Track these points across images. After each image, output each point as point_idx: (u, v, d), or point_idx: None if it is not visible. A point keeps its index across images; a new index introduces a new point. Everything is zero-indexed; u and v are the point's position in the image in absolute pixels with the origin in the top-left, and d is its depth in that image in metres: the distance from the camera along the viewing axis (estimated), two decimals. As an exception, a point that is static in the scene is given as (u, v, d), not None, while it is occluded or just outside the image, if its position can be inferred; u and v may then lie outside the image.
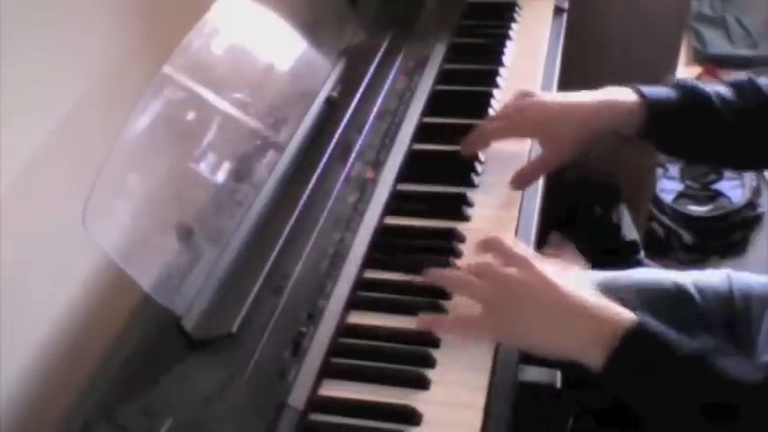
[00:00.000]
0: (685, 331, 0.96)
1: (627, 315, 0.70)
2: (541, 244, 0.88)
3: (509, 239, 0.82)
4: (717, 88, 0.93)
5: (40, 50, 0.80)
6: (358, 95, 1.03)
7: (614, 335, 0.68)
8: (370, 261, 0.86)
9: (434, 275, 0.80)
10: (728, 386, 0.65)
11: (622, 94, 0.92)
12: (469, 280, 0.78)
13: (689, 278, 1.01)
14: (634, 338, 0.68)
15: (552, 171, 0.94)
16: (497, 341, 0.75)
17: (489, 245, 0.81)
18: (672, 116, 0.91)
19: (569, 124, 0.92)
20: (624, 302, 0.97)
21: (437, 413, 0.70)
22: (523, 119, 0.95)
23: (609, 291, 0.98)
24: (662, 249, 1.91)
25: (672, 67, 1.70)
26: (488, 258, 0.80)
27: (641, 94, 0.92)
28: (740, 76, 0.96)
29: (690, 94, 0.92)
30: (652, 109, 0.91)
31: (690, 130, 0.93)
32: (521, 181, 0.93)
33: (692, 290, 0.99)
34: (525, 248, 0.80)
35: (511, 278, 0.75)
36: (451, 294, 0.81)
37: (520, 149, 0.99)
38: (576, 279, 0.74)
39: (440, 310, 0.79)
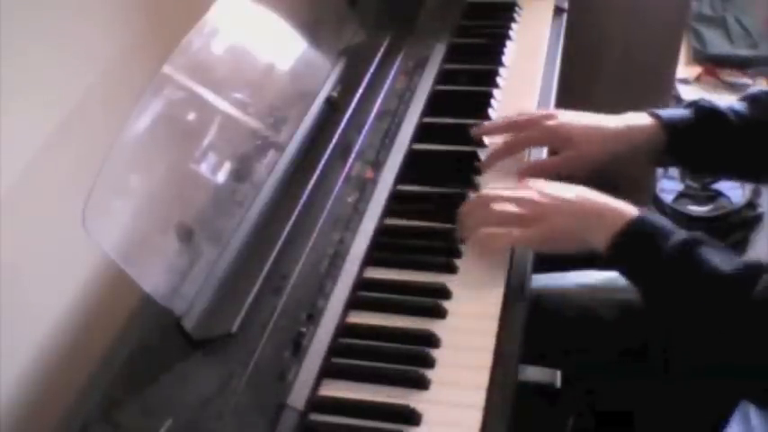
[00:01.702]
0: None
1: (631, 208, 0.80)
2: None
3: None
4: (731, 103, 0.96)
5: (40, 50, 0.80)
6: (358, 95, 1.03)
7: (618, 223, 0.79)
8: (369, 261, 0.86)
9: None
10: (707, 275, 0.74)
11: (639, 119, 0.95)
12: (508, 212, 0.84)
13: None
14: (634, 225, 0.78)
15: (561, 175, 0.95)
16: (537, 249, 0.86)
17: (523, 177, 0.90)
18: (689, 134, 0.94)
19: (596, 146, 0.94)
20: (624, 302, 0.98)
21: (437, 413, 0.70)
22: (548, 129, 0.96)
23: (609, 291, 0.99)
24: (662, 249, 1.91)
25: (672, 67, 1.71)
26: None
27: (657, 117, 0.94)
28: (754, 89, 0.98)
29: (704, 112, 0.94)
30: (669, 129, 0.93)
31: (708, 146, 0.95)
32: (528, 174, 0.94)
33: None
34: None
35: (539, 201, 0.83)
36: (452, 294, 0.81)
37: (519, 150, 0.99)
38: (580, 189, 0.84)
39: (441, 312, 0.79)
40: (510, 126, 0.98)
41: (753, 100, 0.96)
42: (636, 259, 0.79)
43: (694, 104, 0.96)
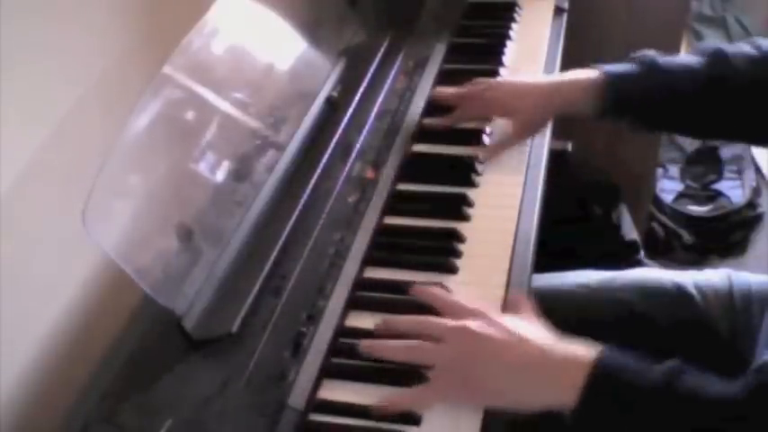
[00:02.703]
0: (685, 332, 0.96)
1: (587, 357, 0.67)
2: (541, 244, 0.88)
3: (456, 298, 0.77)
4: (683, 58, 0.96)
5: (40, 50, 0.80)
6: (358, 95, 1.03)
7: (579, 379, 0.65)
8: (369, 261, 0.86)
9: (378, 348, 0.73)
10: (708, 406, 0.64)
11: (583, 74, 0.97)
12: (421, 346, 0.71)
13: (689, 278, 1.01)
14: (598, 381, 0.65)
15: (522, 139, 0.99)
16: (466, 405, 0.70)
17: (436, 302, 0.76)
18: (629, 88, 0.94)
19: (531, 98, 0.98)
20: (624, 302, 0.98)
21: (437, 413, 0.70)
22: (489, 98, 1.00)
23: (609, 291, 0.99)
24: (662, 249, 1.91)
25: (672, 67, 1.70)
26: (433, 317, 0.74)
27: (602, 71, 0.96)
28: (710, 45, 0.97)
29: (650, 66, 0.95)
30: (610, 82, 0.94)
31: (648, 100, 0.95)
32: (493, 153, 0.99)
33: (692, 290, 0.99)
34: (476, 302, 0.74)
35: (467, 330, 0.69)
36: (451, 294, 0.81)
37: (520, 150, 0.99)
38: (532, 326, 0.71)
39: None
40: (458, 99, 1.02)
41: (711, 58, 0.94)
42: (614, 413, 0.66)
43: (640, 59, 0.96)
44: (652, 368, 0.66)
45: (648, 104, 0.95)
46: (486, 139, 1.01)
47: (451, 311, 0.73)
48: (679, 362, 0.65)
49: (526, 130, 0.99)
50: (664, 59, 0.95)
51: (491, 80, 1.03)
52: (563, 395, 0.66)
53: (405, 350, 0.72)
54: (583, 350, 0.68)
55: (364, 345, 0.73)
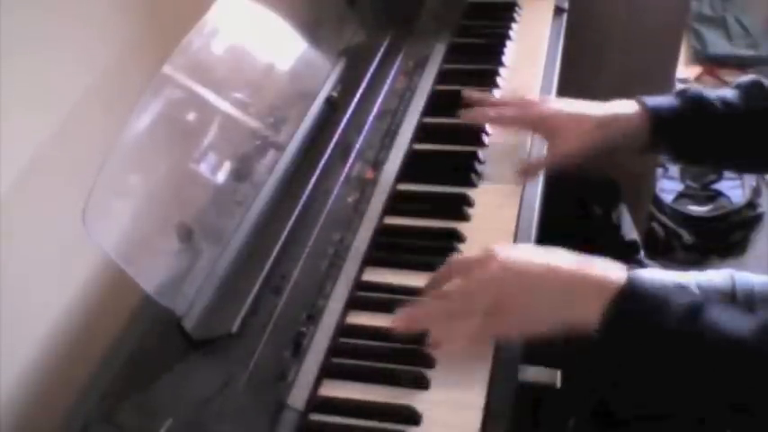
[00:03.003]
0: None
1: (614, 270, 0.70)
2: (541, 244, 0.88)
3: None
4: (722, 92, 0.95)
5: (40, 50, 0.80)
6: (358, 95, 1.03)
7: (606, 293, 0.68)
8: (369, 261, 0.86)
9: (409, 318, 0.75)
10: (719, 340, 0.65)
11: (626, 107, 0.95)
12: (452, 306, 0.74)
13: (691, 278, 1.01)
14: (627, 292, 0.68)
15: (556, 167, 0.96)
16: (508, 339, 0.74)
17: (452, 268, 0.77)
18: (674, 122, 0.93)
19: (576, 131, 0.94)
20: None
21: (437, 413, 0.70)
22: (530, 113, 0.97)
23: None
24: (662, 249, 1.91)
25: (672, 67, 1.70)
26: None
27: (643, 104, 0.94)
28: (746, 77, 0.97)
29: (692, 101, 0.94)
30: (654, 117, 0.93)
31: (692, 134, 0.94)
32: (526, 173, 0.95)
33: (695, 289, 0.99)
34: (486, 249, 0.76)
35: (495, 279, 0.72)
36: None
37: (520, 151, 0.99)
38: (547, 251, 0.74)
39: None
40: (502, 104, 1.00)
41: (742, 88, 0.95)
42: (637, 333, 0.68)
43: (682, 93, 0.96)
44: (678, 294, 0.68)
45: (691, 139, 0.95)
46: (485, 139, 1.01)
47: (475, 265, 0.75)
48: (702, 291, 0.70)
49: (562, 157, 0.95)
50: (704, 93, 0.95)
51: (546, 98, 1.00)
52: (588, 310, 0.68)
53: (442, 313, 0.74)
54: (608, 267, 0.70)
55: (398, 325, 0.74)
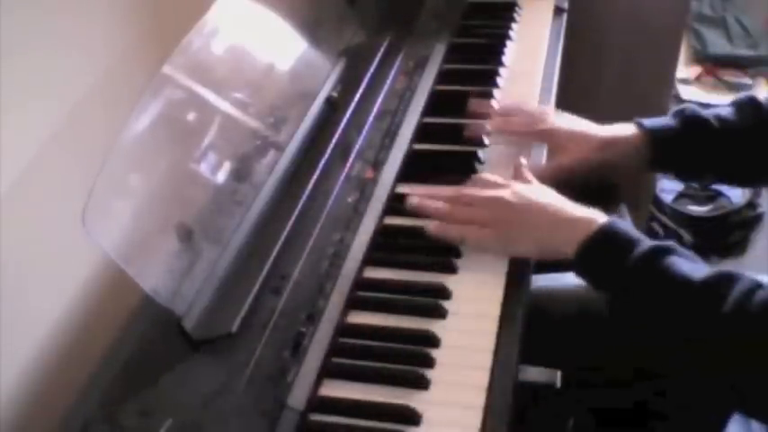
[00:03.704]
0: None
1: (600, 216, 0.81)
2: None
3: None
4: (717, 110, 0.97)
5: (40, 50, 0.80)
6: (358, 95, 1.03)
7: (587, 231, 0.79)
8: (369, 261, 0.86)
9: (425, 205, 0.89)
10: (676, 283, 0.74)
11: (625, 130, 0.97)
12: (471, 214, 0.86)
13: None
14: (601, 232, 0.79)
15: (554, 180, 0.96)
16: (498, 250, 0.85)
17: (475, 179, 0.91)
18: (673, 143, 0.96)
19: (579, 146, 0.97)
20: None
21: (437, 413, 0.70)
22: (534, 129, 0.99)
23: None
24: (662, 249, 1.91)
25: (672, 67, 1.71)
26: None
27: (641, 127, 0.96)
28: (742, 95, 1.00)
29: (688, 120, 0.96)
30: (653, 139, 0.95)
31: (692, 154, 0.97)
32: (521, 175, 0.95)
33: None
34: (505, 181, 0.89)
35: (499, 201, 0.85)
36: (451, 294, 0.81)
37: (520, 151, 0.99)
38: (544, 192, 0.86)
39: (441, 312, 0.79)
40: (508, 113, 1.02)
41: (738, 106, 0.97)
42: (602, 267, 0.79)
43: (679, 113, 0.98)
44: (646, 241, 0.78)
45: (690, 158, 0.97)
46: (485, 140, 1.01)
47: (490, 185, 0.89)
48: (673, 243, 0.77)
49: (562, 171, 0.97)
50: (700, 111, 0.97)
51: (549, 111, 1.02)
52: (570, 244, 0.80)
53: (449, 208, 0.87)
54: (597, 213, 0.82)
55: (412, 200, 0.90)
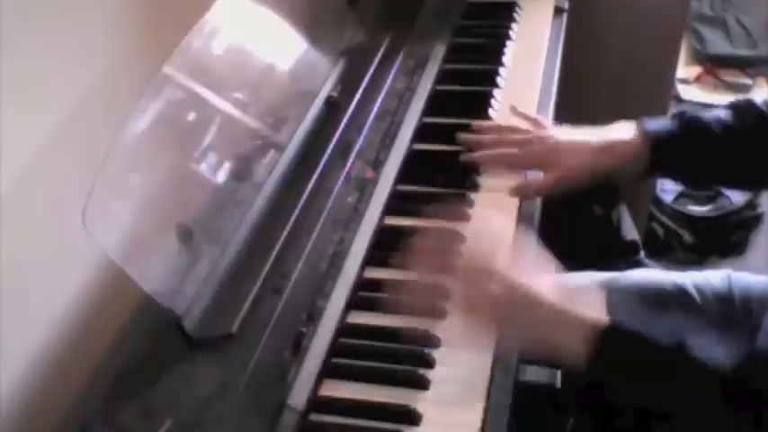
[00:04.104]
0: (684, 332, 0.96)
1: (601, 317, 0.73)
2: (542, 244, 0.88)
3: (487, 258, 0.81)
4: (716, 112, 0.95)
5: (40, 50, 0.80)
6: (358, 95, 1.03)
7: (591, 337, 0.72)
8: (369, 261, 0.86)
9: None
10: (702, 371, 0.69)
11: (625, 133, 0.95)
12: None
13: (689, 278, 1.01)
14: (609, 337, 0.72)
15: (553, 192, 0.95)
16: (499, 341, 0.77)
17: (468, 269, 0.80)
18: (673, 147, 0.94)
19: (575, 163, 0.94)
20: (624, 303, 0.97)
21: (437, 413, 0.70)
22: (528, 153, 0.96)
23: (609, 291, 0.99)
24: (662, 249, 1.91)
25: (672, 67, 1.70)
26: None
27: (643, 130, 0.94)
28: (739, 98, 0.98)
29: (689, 123, 0.94)
30: (654, 144, 0.93)
31: (692, 158, 0.95)
32: (523, 193, 0.95)
33: (692, 290, 0.99)
34: (499, 261, 0.79)
35: (499, 299, 0.76)
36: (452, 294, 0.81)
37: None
38: (548, 286, 0.76)
39: (440, 312, 0.79)
40: (502, 133, 0.99)
41: (737, 109, 0.96)
42: (623, 363, 0.73)
43: (679, 116, 0.96)
44: (661, 326, 0.73)
45: (691, 162, 0.95)
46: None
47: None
48: (682, 322, 0.75)
49: (559, 184, 0.95)
50: (701, 114, 0.95)
51: (539, 132, 0.98)
52: (575, 350, 0.72)
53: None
54: (594, 312, 0.74)
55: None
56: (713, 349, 0.71)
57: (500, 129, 1.00)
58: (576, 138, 0.96)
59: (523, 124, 0.99)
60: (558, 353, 0.74)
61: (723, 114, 0.95)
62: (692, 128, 0.94)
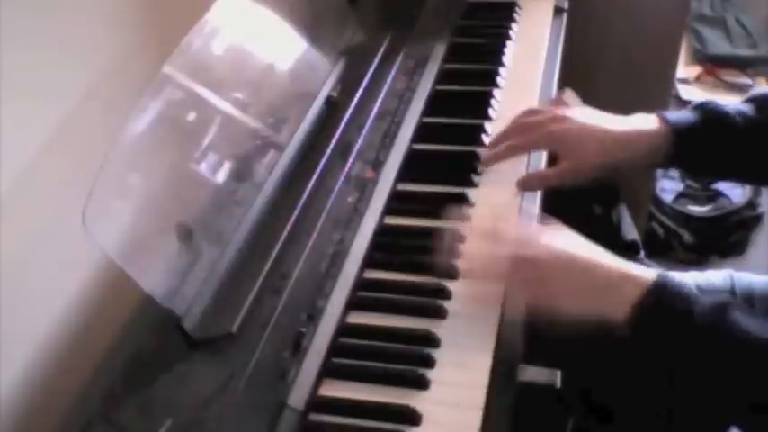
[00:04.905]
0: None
1: (645, 273, 0.74)
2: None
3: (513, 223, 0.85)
4: (736, 105, 0.93)
5: (40, 50, 0.80)
6: (358, 95, 1.03)
7: (636, 292, 0.73)
8: (369, 261, 0.86)
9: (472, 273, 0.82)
10: (743, 338, 0.69)
11: (647, 123, 0.92)
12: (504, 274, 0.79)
13: (690, 278, 1.01)
14: (655, 293, 0.72)
15: (566, 184, 0.93)
16: (537, 313, 0.78)
17: (497, 236, 0.82)
18: (696, 140, 0.91)
19: (595, 152, 0.91)
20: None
21: (437, 413, 0.70)
22: (552, 133, 0.93)
23: None
24: (662, 249, 1.91)
25: (672, 67, 1.70)
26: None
27: (664, 121, 0.91)
28: (758, 91, 0.95)
29: (712, 116, 0.91)
30: (676, 134, 0.90)
31: (714, 152, 0.92)
32: (528, 184, 0.94)
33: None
34: (529, 227, 0.83)
35: (541, 260, 0.77)
36: (451, 294, 0.81)
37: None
38: (588, 247, 0.79)
39: (441, 312, 0.79)
40: (515, 130, 0.97)
41: (758, 102, 0.93)
42: (664, 332, 0.72)
43: (702, 108, 0.93)
44: (703, 297, 0.72)
45: (712, 155, 0.92)
46: (485, 140, 1.01)
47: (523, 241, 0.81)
48: (728, 296, 0.73)
49: (574, 174, 0.92)
50: (723, 107, 0.92)
51: (558, 111, 0.94)
52: (618, 308, 0.73)
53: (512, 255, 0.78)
54: (640, 270, 0.75)
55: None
56: (755, 318, 0.71)
57: (519, 116, 0.98)
58: (596, 124, 0.93)
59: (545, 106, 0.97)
60: (601, 311, 0.74)
61: (744, 108, 0.92)
62: (714, 120, 0.91)
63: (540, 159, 0.99)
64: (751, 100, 0.94)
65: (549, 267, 0.77)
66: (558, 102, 0.97)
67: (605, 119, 0.93)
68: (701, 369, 0.73)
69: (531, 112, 0.97)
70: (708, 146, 0.91)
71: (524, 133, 0.95)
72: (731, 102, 0.94)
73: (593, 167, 0.92)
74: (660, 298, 0.72)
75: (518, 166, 0.96)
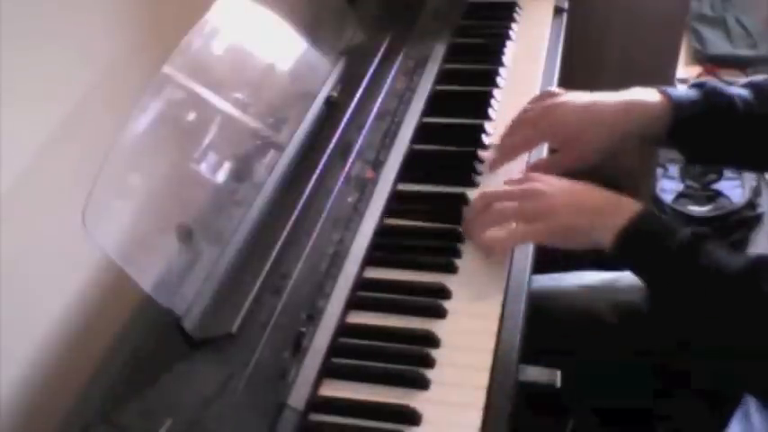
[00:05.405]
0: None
1: (635, 204, 0.82)
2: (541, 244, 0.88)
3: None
4: (736, 89, 0.93)
5: (40, 49, 0.80)
6: (358, 95, 1.03)
7: (623, 219, 0.80)
8: (369, 261, 0.86)
9: (476, 221, 0.87)
10: (716, 269, 0.75)
11: (648, 95, 0.92)
12: (512, 208, 0.85)
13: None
14: (640, 220, 0.80)
15: (567, 173, 0.93)
16: (545, 243, 0.84)
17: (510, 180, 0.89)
18: (697, 118, 0.91)
19: (594, 131, 0.92)
20: (625, 303, 0.97)
21: (437, 413, 0.70)
22: (548, 125, 0.94)
23: (610, 291, 0.99)
24: (662, 249, 1.91)
25: (672, 67, 1.70)
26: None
27: (667, 96, 0.91)
28: (758, 76, 0.95)
29: (712, 96, 0.91)
30: (678, 110, 0.90)
31: (714, 132, 0.92)
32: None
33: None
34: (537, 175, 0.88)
35: (545, 193, 0.83)
36: (452, 294, 0.81)
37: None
38: (583, 185, 0.85)
39: (441, 312, 0.79)
40: (515, 130, 0.97)
41: (755, 87, 0.93)
42: (643, 254, 0.80)
43: (703, 87, 0.92)
44: (684, 228, 0.79)
45: (711, 136, 0.92)
46: (485, 140, 1.01)
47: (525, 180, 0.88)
48: (707, 230, 0.79)
49: (577, 160, 0.93)
50: (724, 88, 0.92)
51: (545, 103, 0.95)
52: (607, 232, 0.80)
53: (505, 214, 0.85)
54: (631, 201, 0.83)
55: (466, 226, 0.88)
56: (728, 252, 0.77)
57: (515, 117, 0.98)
58: (592, 103, 0.93)
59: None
60: (595, 236, 0.81)
61: (744, 92, 0.92)
62: (715, 100, 0.91)
63: (541, 149, 0.99)
64: (749, 85, 0.94)
65: (550, 187, 0.84)
66: (548, 93, 0.97)
67: (603, 96, 0.94)
68: (676, 293, 0.79)
69: (524, 110, 0.97)
70: (707, 124, 0.91)
71: (523, 131, 0.96)
72: (732, 86, 0.94)
73: (596, 152, 0.93)
74: (642, 227, 0.79)
75: (518, 165, 0.96)
